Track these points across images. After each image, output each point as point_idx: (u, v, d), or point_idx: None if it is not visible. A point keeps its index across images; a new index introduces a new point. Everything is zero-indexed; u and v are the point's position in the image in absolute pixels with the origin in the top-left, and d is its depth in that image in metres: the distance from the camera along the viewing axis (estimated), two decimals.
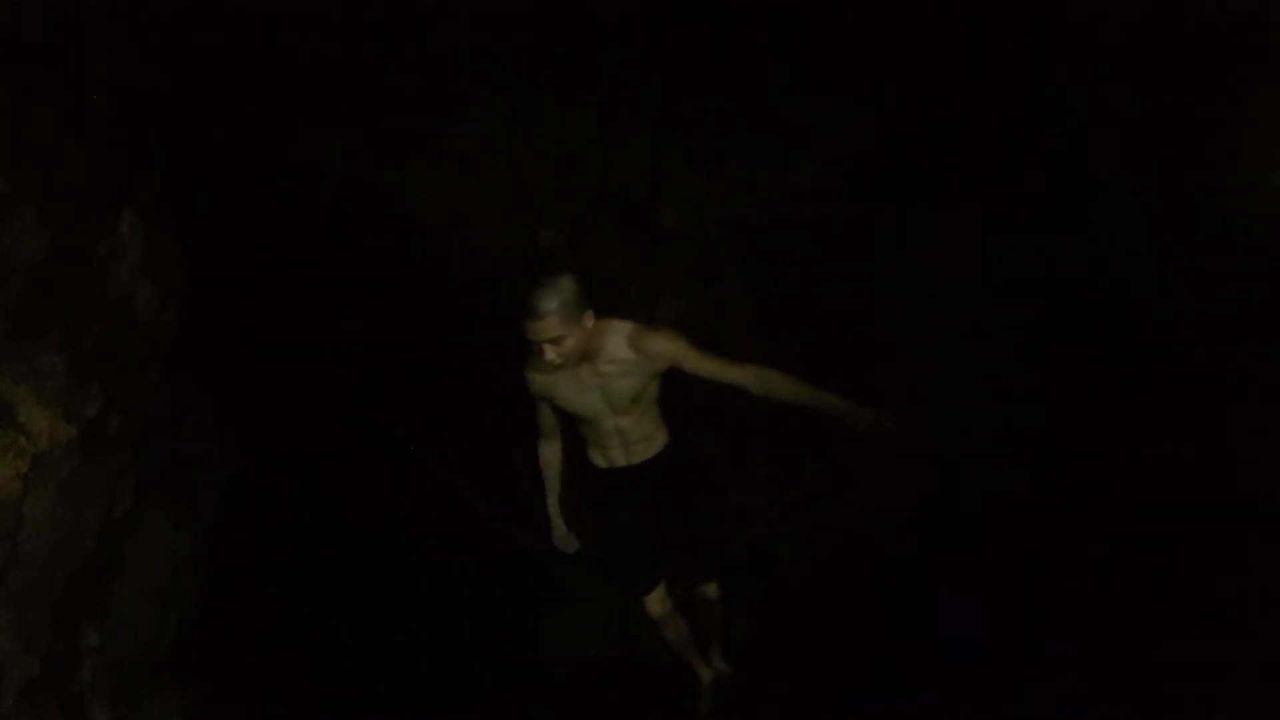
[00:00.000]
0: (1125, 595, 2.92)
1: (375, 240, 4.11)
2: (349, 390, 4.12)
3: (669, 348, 2.67)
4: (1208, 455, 3.00)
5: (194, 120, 3.54)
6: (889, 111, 3.89)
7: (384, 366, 4.23)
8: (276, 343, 3.96)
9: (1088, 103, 3.53)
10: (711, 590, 3.27)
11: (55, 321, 2.63)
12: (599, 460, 2.99)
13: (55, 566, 2.46)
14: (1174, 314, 3.25)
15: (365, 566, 3.68)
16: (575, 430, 2.99)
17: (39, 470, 2.46)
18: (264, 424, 3.82)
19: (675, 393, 2.88)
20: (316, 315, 4.07)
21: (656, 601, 3.13)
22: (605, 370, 2.72)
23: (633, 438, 2.91)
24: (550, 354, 2.60)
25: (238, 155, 3.74)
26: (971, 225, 3.78)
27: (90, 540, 2.60)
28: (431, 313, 4.27)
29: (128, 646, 2.69)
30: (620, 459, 2.95)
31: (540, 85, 4.00)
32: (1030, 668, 2.89)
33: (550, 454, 3.08)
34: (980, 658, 3.03)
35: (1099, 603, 2.99)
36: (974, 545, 3.43)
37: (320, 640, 3.40)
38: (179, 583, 2.98)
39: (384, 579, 3.72)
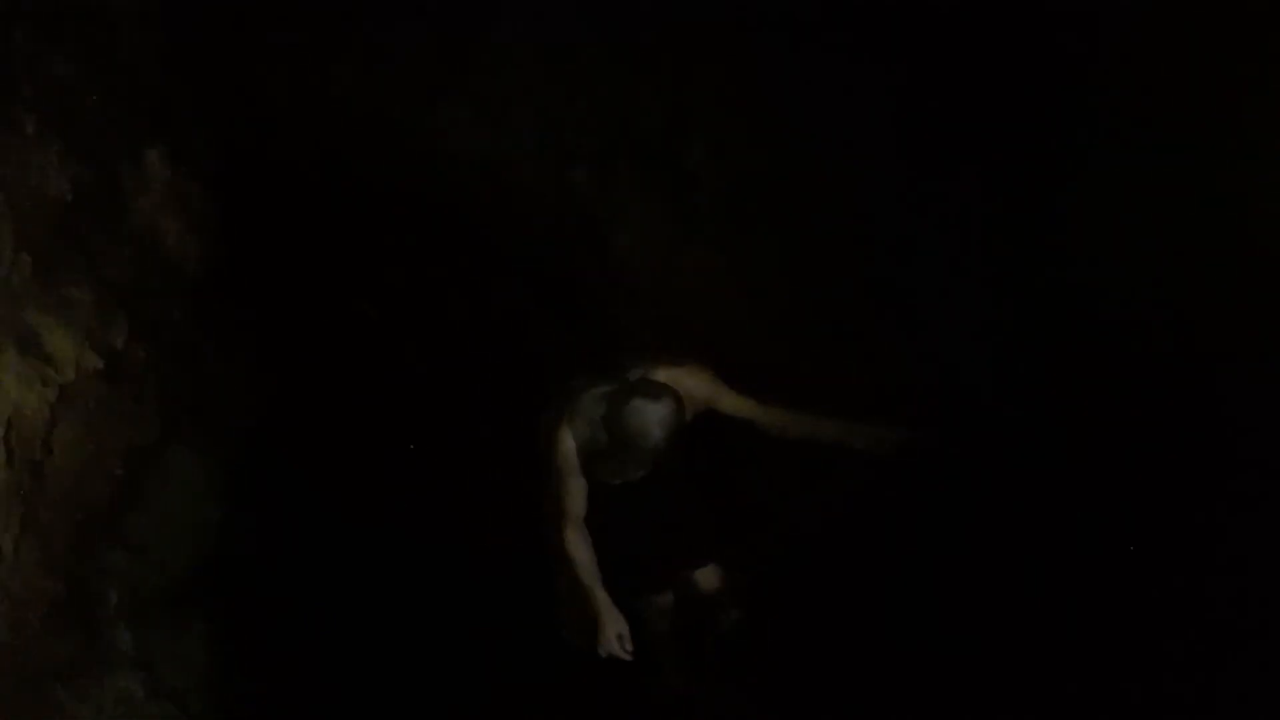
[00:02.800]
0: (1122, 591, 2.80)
1: (404, 178, 4.13)
2: (377, 328, 4.16)
3: (704, 389, 2.72)
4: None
5: (223, 56, 3.57)
6: (928, 66, 3.71)
7: (413, 305, 4.27)
8: (305, 280, 4.01)
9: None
10: (711, 579, 3.10)
11: (81, 254, 2.71)
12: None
13: (80, 494, 2.57)
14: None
15: (393, 508, 3.70)
16: None
17: (66, 399, 2.55)
18: (292, 361, 3.89)
19: None
20: (345, 253, 4.11)
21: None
22: None
23: None
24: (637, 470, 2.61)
25: (267, 91, 3.76)
26: (1009, 184, 3.59)
27: (115, 469, 2.70)
28: (461, 251, 4.29)
29: (148, 574, 2.81)
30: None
31: (569, 25, 3.94)
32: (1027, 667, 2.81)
33: (582, 540, 2.59)
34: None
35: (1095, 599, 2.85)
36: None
37: (339, 577, 3.45)
38: (200, 514, 3.09)
39: (412, 518, 3.70)
